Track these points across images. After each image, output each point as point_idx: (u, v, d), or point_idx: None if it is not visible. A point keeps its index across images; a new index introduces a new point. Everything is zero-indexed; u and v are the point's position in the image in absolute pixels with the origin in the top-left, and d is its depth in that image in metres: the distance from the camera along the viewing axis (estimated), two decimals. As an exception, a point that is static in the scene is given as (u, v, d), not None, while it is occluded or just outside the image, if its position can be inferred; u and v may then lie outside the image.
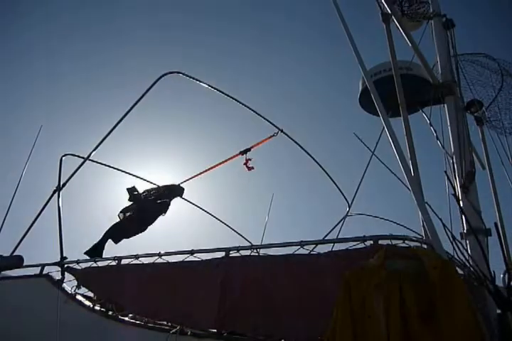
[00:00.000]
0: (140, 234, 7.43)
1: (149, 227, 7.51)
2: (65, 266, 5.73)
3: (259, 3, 21.96)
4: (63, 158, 7.03)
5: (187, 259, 4.91)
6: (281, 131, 7.82)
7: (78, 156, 7.09)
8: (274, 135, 7.81)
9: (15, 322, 5.48)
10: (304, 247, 4.24)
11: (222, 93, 7.37)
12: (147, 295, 4.96)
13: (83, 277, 5.60)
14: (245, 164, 7.63)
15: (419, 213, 3.81)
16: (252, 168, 7.65)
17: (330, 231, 7.61)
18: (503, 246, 3.90)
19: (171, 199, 7.87)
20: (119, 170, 8.23)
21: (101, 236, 7.06)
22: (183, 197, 8.34)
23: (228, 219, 9.30)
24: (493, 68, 7.40)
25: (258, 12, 22.77)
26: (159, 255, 5.14)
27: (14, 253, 6.15)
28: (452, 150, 5.59)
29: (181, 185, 8.17)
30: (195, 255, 4.85)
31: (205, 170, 8.26)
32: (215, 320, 4.28)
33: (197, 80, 7.15)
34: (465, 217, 4.81)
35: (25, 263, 5.86)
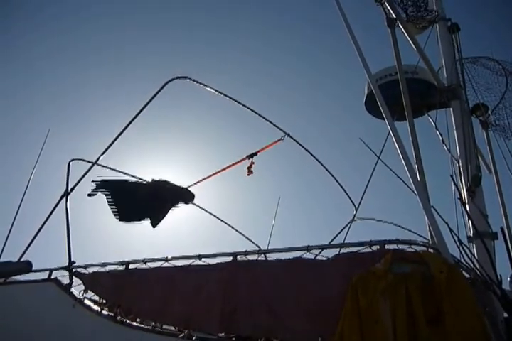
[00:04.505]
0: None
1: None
2: (73, 270, 5.76)
3: (274, 7, 22.08)
4: (71, 162, 7.05)
5: (194, 264, 4.93)
6: (288, 135, 7.83)
7: (86, 161, 7.11)
8: (281, 139, 7.82)
9: (23, 326, 5.50)
10: (311, 252, 4.25)
11: (230, 98, 7.38)
12: (154, 299, 4.98)
13: (91, 281, 5.62)
14: (249, 167, 7.64)
15: (426, 217, 3.82)
16: (252, 172, 7.65)
17: (336, 236, 7.62)
18: (510, 249, 3.89)
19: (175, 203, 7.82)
20: (127, 174, 8.24)
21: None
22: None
23: (235, 223, 9.31)
24: (498, 71, 7.41)
25: (272, 14, 22.92)
26: (166, 259, 5.16)
27: (22, 258, 6.18)
28: (458, 154, 5.59)
29: (190, 190, 8.10)
30: (202, 259, 4.86)
31: (212, 174, 8.27)
32: (220, 322, 4.30)
33: (204, 85, 7.17)
34: (471, 221, 4.82)
35: (33, 268, 5.90)
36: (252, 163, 7.73)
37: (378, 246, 3.85)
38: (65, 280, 5.68)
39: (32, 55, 19.56)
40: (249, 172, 7.67)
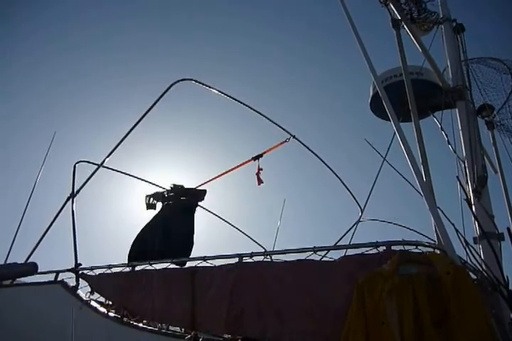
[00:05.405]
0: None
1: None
2: (80, 272, 5.77)
3: (279, 8, 22.15)
4: (77, 164, 7.07)
5: (200, 265, 4.93)
6: (294, 136, 7.84)
7: (92, 163, 7.13)
8: (286, 141, 7.83)
9: (30, 328, 5.51)
10: (317, 253, 4.24)
11: (235, 100, 7.40)
12: (160, 301, 4.98)
13: (97, 283, 5.63)
14: (257, 174, 7.63)
15: (432, 218, 3.81)
16: (262, 182, 7.63)
17: (342, 237, 7.62)
18: (516, 250, 3.89)
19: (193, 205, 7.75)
20: (132, 176, 8.26)
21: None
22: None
23: (241, 225, 9.31)
24: (503, 70, 7.39)
25: (277, 16, 23.00)
26: (172, 261, 5.16)
27: (29, 260, 6.20)
28: (464, 154, 5.58)
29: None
30: (207, 261, 4.87)
31: (218, 176, 8.28)
32: (226, 324, 4.29)
33: (209, 87, 7.19)
34: (478, 221, 4.80)
35: (39, 270, 5.90)
36: (260, 169, 7.71)
37: (384, 248, 3.84)
38: (72, 282, 5.69)
39: (37, 57, 19.63)
40: (259, 181, 7.65)
